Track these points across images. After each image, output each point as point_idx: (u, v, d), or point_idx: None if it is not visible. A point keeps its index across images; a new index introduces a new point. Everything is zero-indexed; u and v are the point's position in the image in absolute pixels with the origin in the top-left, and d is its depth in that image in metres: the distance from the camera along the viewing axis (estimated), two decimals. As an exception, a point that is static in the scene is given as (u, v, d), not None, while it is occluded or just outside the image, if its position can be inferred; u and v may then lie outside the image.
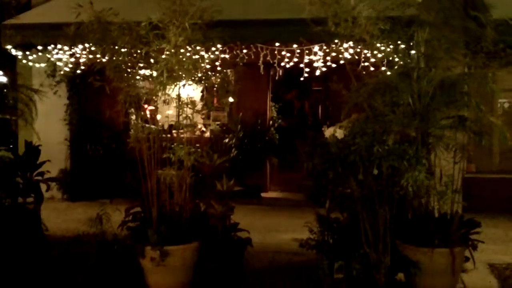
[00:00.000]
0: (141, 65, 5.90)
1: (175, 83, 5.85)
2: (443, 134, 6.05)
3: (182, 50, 5.77)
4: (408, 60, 6.31)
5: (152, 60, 5.77)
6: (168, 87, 5.84)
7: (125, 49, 5.77)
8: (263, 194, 11.49)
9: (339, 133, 5.83)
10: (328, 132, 5.47)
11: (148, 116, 12.25)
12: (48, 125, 10.27)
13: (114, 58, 5.81)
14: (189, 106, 6.04)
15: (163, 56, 5.57)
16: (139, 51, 5.72)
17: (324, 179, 9.75)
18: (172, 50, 5.52)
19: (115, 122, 11.05)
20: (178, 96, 6.08)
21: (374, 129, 5.51)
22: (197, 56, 6.02)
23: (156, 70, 5.56)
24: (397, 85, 6.13)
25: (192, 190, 6.13)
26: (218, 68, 8.32)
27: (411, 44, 6.31)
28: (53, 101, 10.28)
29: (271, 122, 11.94)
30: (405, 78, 6.17)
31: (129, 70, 5.94)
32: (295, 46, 8.39)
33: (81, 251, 6.31)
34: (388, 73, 6.61)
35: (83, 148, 11.12)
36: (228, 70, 11.74)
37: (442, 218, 6.00)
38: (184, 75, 5.72)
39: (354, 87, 6.24)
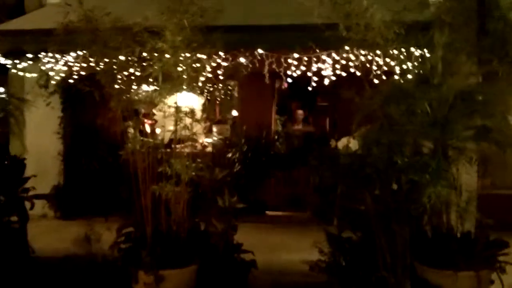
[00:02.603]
0: (135, 69, 5.35)
1: (174, 90, 5.31)
2: (464, 146, 5.52)
3: (181, 54, 5.26)
4: (426, 66, 5.83)
5: (147, 64, 5.23)
6: (165, 94, 5.30)
7: (118, 51, 5.24)
8: (268, 212, 10.91)
9: (354, 144, 5.31)
10: (341, 143, 5.02)
11: (148, 129, 11.82)
12: (41, 138, 9.80)
13: (105, 61, 5.29)
14: (188, 115, 5.51)
15: (160, 58, 5.04)
16: (133, 53, 5.18)
17: (332, 194, 9.34)
18: (170, 51, 4.99)
19: (112, 136, 10.51)
20: (176, 104, 5.55)
21: (390, 140, 4.99)
22: (197, 60, 5.46)
23: (151, 73, 5.03)
24: (414, 92, 5.63)
25: (190, 206, 5.60)
26: (221, 77, 7.84)
27: (429, 49, 5.84)
28: (46, 113, 9.81)
29: (276, 136, 11.42)
30: (423, 85, 5.67)
31: (122, 74, 5.42)
32: (302, 53, 7.86)
33: (69, 275, 5.75)
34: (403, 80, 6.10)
35: (78, 162, 10.56)
36: (232, 82, 11.47)
37: (465, 238, 5.46)
38: (183, 81, 5.19)
39: (368, 95, 5.73)
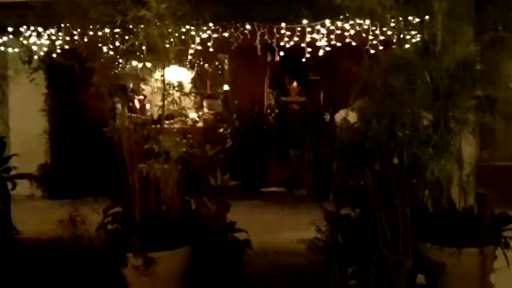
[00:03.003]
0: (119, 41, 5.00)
1: (160, 64, 4.98)
2: (467, 117, 5.26)
3: (167, 24, 4.92)
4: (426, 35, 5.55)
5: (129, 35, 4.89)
6: (151, 67, 4.97)
7: (99, 22, 4.89)
8: (263, 189, 10.66)
9: (352, 117, 5.01)
10: (339, 116, 4.74)
11: (138, 106, 11.50)
12: (26, 116, 9.49)
13: (87, 33, 4.95)
14: (176, 89, 5.19)
15: (143, 28, 4.69)
16: (115, 23, 4.83)
17: (327, 170, 9.12)
18: (154, 20, 4.64)
19: (100, 113, 10.16)
20: (163, 77, 5.23)
21: (391, 112, 4.71)
22: (184, 31, 5.13)
23: (134, 44, 4.69)
24: (414, 62, 5.35)
25: (180, 186, 5.31)
26: (211, 50, 7.53)
27: (428, 16, 5.57)
28: (31, 90, 9.45)
29: (269, 110, 11.12)
30: (424, 53, 5.39)
31: (106, 47, 5.08)
32: (295, 23, 7.55)
33: (54, 258, 5.48)
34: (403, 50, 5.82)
35: (65, 140, 10.23)
36: (222, 56, 11.13)
37: (469, 213, 5.22)
38: (169, 53, 4.85)
39: (366, 65, 5.44)
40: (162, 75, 5.17)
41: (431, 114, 5.30)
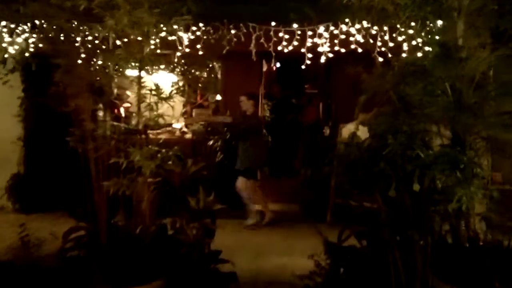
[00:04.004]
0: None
1: (133, 61, 4.16)
2: (495, 136, 4.47)
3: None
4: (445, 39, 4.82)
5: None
6: (122, 64, 4.15)
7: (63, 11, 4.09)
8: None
9: (362, 132, 4.19)
10: (346, 130, 4.04)
11: (123, 114, 10.68)
12: (-1, 122, 8.63)
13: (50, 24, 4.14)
14: (152, 92, 4.37)
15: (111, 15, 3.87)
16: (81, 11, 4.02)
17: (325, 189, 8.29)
18: (126, 6, 3.83)
19: (81, 119, 9.32)
20: (139, 78, 4.41)
21: (411, 126, 3.91)
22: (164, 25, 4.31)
23: (100, 33, 3.88)
24: (432, 69, 4.57)
25: (155, 207, 4.47)
26: (200, 53, 6.74)
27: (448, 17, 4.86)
28: (5, 93, 8.64)
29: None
30: (444, 60, 4.61)
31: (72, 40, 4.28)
32: (295, 26, 6.76)
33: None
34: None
35: (41, 149, 9.35)
36: (214, 62, 10.35)
37: (497, 248, 4.41)
38: (143, 47, 4.04)
39: (377, 72, 4.67)
40: (138, 76, 4.36)
41: (449, 130, 4.55)
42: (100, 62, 4.61)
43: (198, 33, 6.79)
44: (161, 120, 4.81)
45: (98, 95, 4.73)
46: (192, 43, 7.00)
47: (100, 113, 7.31)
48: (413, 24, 5.10)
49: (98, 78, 4.42)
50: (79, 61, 4.61)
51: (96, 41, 4.42)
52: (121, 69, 4.22)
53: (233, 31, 6.94)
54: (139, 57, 4.07)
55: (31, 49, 7.55)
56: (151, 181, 4.34)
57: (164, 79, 5.25)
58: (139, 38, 3.97)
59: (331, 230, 4.91)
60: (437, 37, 4.86)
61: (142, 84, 4.52)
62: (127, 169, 4.42)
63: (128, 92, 9.34)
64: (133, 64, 4.18)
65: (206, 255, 4.68)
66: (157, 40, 5.24)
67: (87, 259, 4.41)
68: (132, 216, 4.54)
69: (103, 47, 4.18)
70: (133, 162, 4.14)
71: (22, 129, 9.46)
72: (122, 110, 11.06)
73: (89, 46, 4.46)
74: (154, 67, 4.83)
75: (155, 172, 4.34)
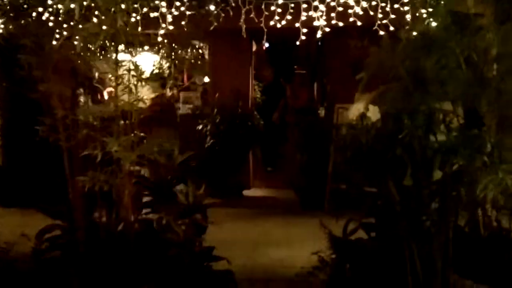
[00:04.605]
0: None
1: (104, 35, 3.60)
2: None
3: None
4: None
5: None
6: (90, 39, 3.60)
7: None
8: (246, 192, 9.35)
9: (373, 112, 3.68)
10: (354, 110, 3.61)
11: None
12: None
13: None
14: (131, 73, 3.84)
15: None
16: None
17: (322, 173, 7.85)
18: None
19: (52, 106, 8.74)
20: (116, 59, 3.87)
21: (429, 105, 3.42)
22: None
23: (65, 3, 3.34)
24: (445, 41, 4.07)
25: (139, 203, 3.97)
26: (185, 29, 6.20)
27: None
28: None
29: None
30: (458, 30, 4.11)
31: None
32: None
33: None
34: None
35: (21, 140, 8.77)
36: (201, 42, 9.82)
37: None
38: (116, 21, 3.50)
39: (385, 45, 4.16)
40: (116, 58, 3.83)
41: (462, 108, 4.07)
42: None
43: (182, 8, 6.23)
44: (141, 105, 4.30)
45: (71, 78, 4.19)
46: (176, 20, 6.45)
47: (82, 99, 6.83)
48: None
49: (66, 59, 3.87)
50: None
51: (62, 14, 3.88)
52: (92, 48, 3.67)
53: (220, 5, 6.38)
54: (112, 31, 3.52)
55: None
56: (133, 174, 3.83)
57: (149, 61, 4.74)
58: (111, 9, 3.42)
59: (330, 218, 4.44)
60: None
61: (121, 65, 4.01)
62: (106, 160, 3.91)
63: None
64: (106, 41, 3.63)
65: (197, 253, 4.18)
66: (138, 17, 4.74)
67: (64, 262, 3.90)
68: (113, 212, 4.04)
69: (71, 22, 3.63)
70: (110, 153, 3.62)
71: (0, 119, 8.91)
72: (105, 94, 10.55)
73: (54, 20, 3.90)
74: (135, 46, 4.30)
75: (137, 163, 3.83)
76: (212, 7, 6.26)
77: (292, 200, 8.82)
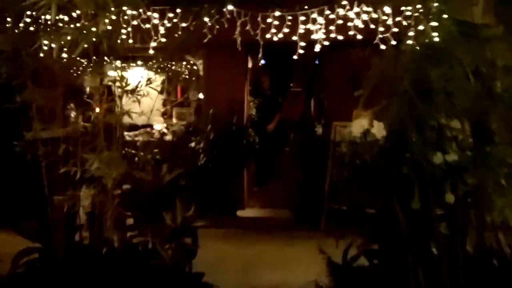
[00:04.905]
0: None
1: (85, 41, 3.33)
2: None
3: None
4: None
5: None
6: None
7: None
8: (240, 212, 9.04)
9: (378, 129, 3.41)
10: (357, 126, 3.37)
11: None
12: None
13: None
14: (117, 84, 3.57)
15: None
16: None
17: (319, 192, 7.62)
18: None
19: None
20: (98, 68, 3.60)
21: (438, 119, 3.16)
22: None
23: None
24: (452, 51, 3.84)
25: (122, 225, 3.68)
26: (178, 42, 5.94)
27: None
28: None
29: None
30: (465, 40, 3.90)
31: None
32: (285, 10, 5.98)
33: None
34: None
35: (2, 153, 8.46)
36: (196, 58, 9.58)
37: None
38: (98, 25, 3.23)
39: (388, 56, 3.94)
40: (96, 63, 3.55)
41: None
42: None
43: (175, 20, 5.97)
44: (131, 119, 4.03)
45: (53, 89, 3.91)
46: (168, 33, 6.20)
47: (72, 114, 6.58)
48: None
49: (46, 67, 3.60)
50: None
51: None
52: (73, 56, 3.40)
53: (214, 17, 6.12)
54: (92, 36, 3.24)
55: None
56: (116, 193, 3.54)
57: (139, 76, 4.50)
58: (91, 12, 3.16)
59: (326, 238, 4.22)
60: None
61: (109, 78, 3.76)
62: (88, 178, 3.63)
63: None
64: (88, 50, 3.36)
65: (185, 280, 3.88)
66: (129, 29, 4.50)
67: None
68: (95, 234, 3.74)
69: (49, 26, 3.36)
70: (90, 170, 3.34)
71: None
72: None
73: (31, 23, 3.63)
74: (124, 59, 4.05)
75: (121, 181, 3.55)
76: (206, 19, 6.00)
77: (288, 219, 8.53)
